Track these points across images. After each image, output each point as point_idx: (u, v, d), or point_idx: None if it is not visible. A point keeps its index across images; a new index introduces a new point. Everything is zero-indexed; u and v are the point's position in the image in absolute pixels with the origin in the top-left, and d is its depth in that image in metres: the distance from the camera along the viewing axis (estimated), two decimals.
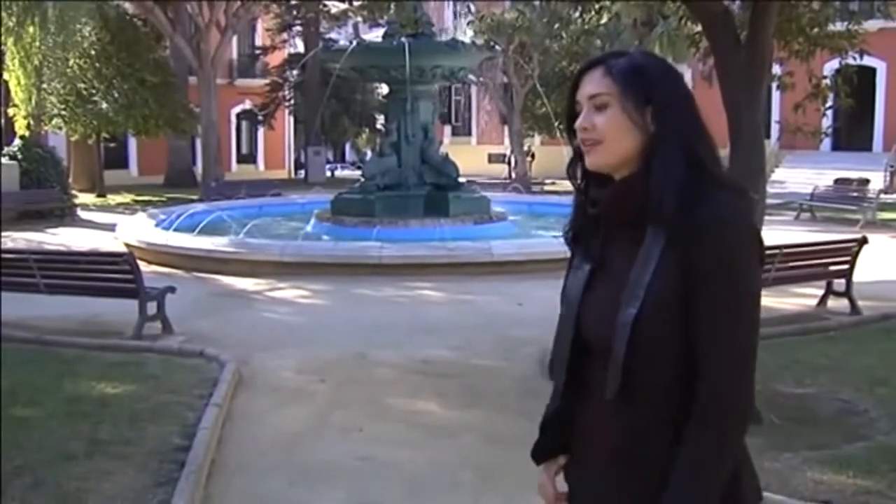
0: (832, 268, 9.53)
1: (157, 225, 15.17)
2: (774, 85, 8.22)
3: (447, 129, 41.07)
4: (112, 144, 29.28)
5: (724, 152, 2.66)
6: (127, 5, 27.88)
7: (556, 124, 24.37)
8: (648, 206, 1.72)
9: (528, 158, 32.80)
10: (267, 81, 37.41)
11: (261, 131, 39.25)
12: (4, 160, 20.64)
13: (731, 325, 1.68)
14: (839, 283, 9.53)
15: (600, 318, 1.76)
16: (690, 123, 1.77)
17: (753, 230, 1.73)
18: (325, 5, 36.46)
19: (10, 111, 22.64)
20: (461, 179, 16.03)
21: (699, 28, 7.74)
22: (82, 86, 24.90)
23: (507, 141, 34.76)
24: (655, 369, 1.70)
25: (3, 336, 7.86)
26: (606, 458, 1.79)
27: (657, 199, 1.70)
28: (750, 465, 1.81)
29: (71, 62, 24.42)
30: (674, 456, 1.69)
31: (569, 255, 1.97)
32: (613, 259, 1.81)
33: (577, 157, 1.87)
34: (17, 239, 16.08)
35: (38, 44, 20.79)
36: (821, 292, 9.69)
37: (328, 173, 36.39)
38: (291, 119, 40.36)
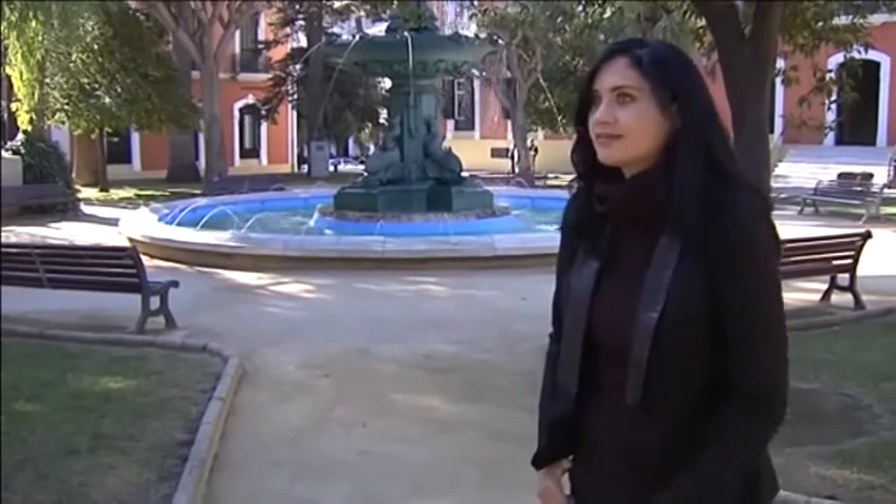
0: (836, 262, 9.50)
1: (160, 219, 15.17)
2: (779, 79, 8.20)
3: (450, 124, 40.99)
4: (115, 139, 29.34)
5: None
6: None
7: (559, 119, 24.35)
8: (667, 209, 1.67)
9: (532, 153, 32.77)
10: (270, 76, 37.40)
11: (264, 126, 39.24)
12: (7, 155, 20.67)
13: (764, 322, 1.68)
14: (843, 278, 9.51)
15: (617, 320, 1.71)
16: (711, 122, 1.72)
17: (773, 229, 1.71)
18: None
19: (13, 106, 22.65)
20: (464, 174, 16.00)
21: (703, 22, 7.72)
22: (85, 80, 24.90)
23: (510, 135, 34.73)
24: (677, 372, 1.67)
25: (6, 331, 7.88)
26: (624, 464, 1.74)
27: (679, 206, 1.66)
28: (767, 456, 1.81)
29: (74, 57, 24.43)
30: (705, 436, 1.68)
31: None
32: (625, 258, 1.75)
33: (580, 144, 1.79)
34: (21, 233, 16.08)
35: (40, 38, 20.77)
36: (824, 287, 9.66)
37: (331, 168, 36.36)
38: (294, 114, 40.34)
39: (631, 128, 1.69)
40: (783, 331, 1.72)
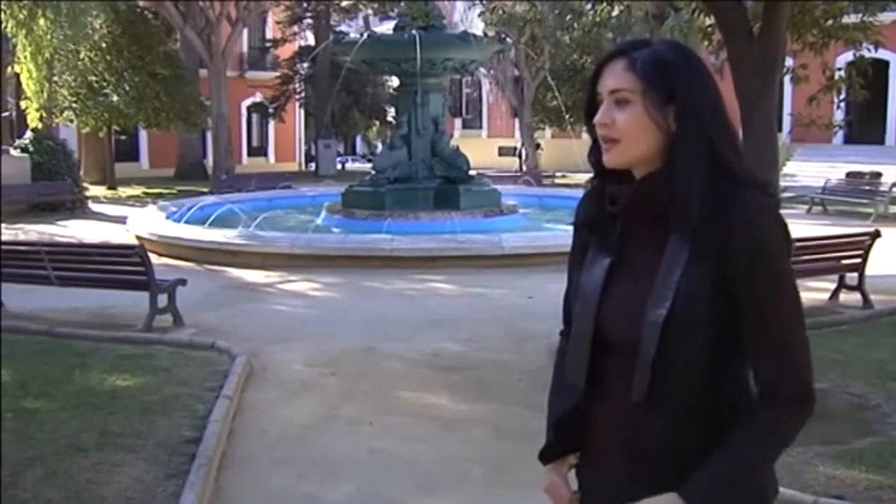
0: (844, 261, 9.48)
1: (167, 217, 15.21)
2: (787, 78, 8.18)
3: (458, 122, 40.99)
4: (123, 137, 29.36)
5: None
6: None
7: (566, 117, 24.34)
8: (671, 210, 1.68)
9: (539, 151, 32.74)
10: (277, 74, 37.44)
11: (271, 124, 39.29)
12: (16, 153, 20.73)
13: (780, 317, 1.67)
14: (851, 277, 9.49)
15: (625, 317, 1.72)
16: (714, 122, 1.71)
17: (782, 223, 1.70)
18: None
19: (22, 104, 22.71)
20: (472, 172, 16.00)
21: (712, 20, 7.70)
22: (93, 78, 24.96)
23: (517, 134, 34.72)
24: (684, 370, 1.67)
25: (15, 328, 7.91)
26: (629, 459, 1.74)
27: (681, 207, 1.66)
28: None
29: (82, 55, 24.51)
30: (732, 436, 1.67)
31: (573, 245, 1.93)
32: (635, 255, 1.76)
33: (597, 146, 1.80)
34: (29, 231, 16.14)
35: (49, 37, 20.82)
36: (833, 286, 9.64)
37: (339, 166, 36.39)
38: (302, 112, 40.38)
39: (626, 130, 1.71)
40: (803, 327, 1.71)
